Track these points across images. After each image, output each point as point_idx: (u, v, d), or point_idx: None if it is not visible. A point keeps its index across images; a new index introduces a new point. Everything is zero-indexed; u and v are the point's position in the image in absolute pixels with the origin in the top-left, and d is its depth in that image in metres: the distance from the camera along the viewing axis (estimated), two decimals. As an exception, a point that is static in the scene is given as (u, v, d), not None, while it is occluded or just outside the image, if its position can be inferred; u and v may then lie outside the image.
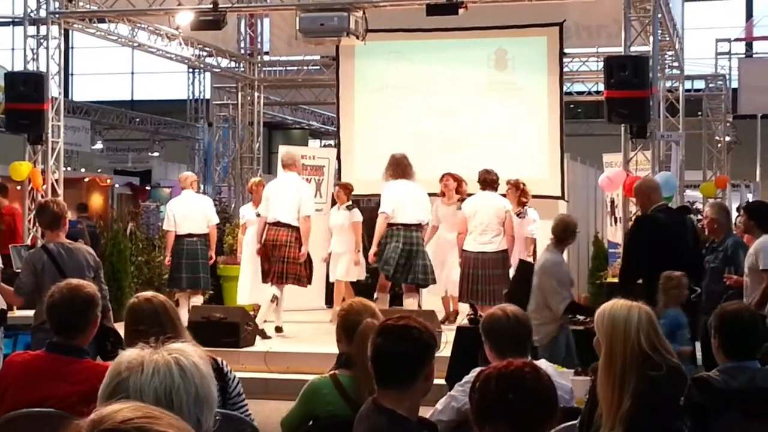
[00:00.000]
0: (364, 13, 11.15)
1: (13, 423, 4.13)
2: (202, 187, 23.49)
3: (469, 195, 11.32)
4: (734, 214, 9.53)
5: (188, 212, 11.64)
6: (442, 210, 11.59)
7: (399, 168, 10.93)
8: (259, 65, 16.98)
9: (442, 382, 6.58)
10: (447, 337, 8.71)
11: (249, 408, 4.39)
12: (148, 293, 4.57)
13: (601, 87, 12.15)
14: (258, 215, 11.31)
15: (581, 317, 8.17)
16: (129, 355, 2.08)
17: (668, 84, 16.22)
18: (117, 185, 25.62)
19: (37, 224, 11.36)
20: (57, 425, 4.05)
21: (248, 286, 11.92)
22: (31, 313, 7.04)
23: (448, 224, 11.46)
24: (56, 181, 11.90)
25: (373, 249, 10.98)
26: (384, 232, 10.85)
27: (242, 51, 16.79)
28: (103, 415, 1.22)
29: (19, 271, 8.15)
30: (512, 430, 2.87)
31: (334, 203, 13.69)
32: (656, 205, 8.12)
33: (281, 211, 10.73)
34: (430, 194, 11.46)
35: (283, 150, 11.99)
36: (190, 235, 11.61)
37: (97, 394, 2.08)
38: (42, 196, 11.31)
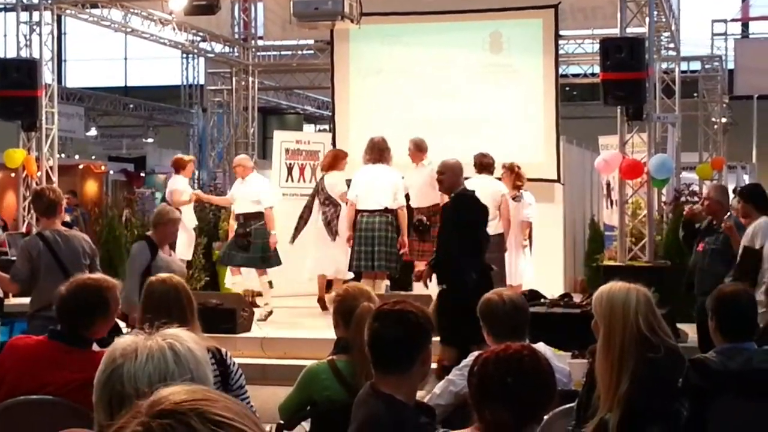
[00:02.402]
0: (358, -4, 11.09)
1: (11, 410, 4.13)
2: (197, 173, 23.48)
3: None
4: (731, 195, 9.51)
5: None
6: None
7: (375, 151, 10.85)
8: (254, 50, 16.91)
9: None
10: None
11: (250, 399, 4.36)
12: (165, 275, 4.55)
13: (597, 69, 12.12)
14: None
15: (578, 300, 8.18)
16: (123, 341, 2.07)
17: (664, 65, 16.19)
18: (111, 172, 25.56)
19: (32, 212, 11.35)
20: (55, 412, 4.07)
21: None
22: (27, 300, 7.03)
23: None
24: (51, 168, 11.86)
25: (348, 234, 10.91)
26: (354, 219, 10.79)
27: (236, 36, 16.72)
28: (161, 396, 1.24)
29: (14, 258, 8.15)
30: (511, 413, 2.87)
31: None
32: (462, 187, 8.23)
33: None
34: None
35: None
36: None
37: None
38: (36, 183, 11.27)
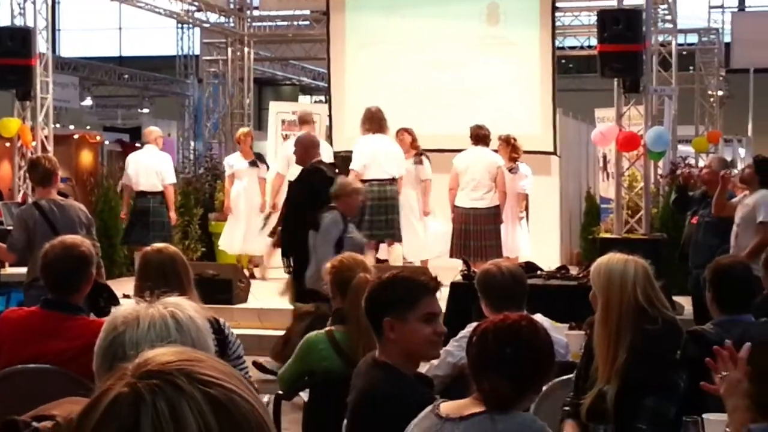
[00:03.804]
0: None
1: (9, 378, 4.13)
2: (192, 143, 23.44)
3: (434, 151, 11.28)
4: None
5: (144, 169, 11.60)
6: None
7: (375, 121, 10.79)
8: (249, 20, 16.83)
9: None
10: (441, 293, 8.70)
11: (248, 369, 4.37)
12: (161, 244, 4.56)
13: (593, 41, 12.08)
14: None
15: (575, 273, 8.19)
16: (124, 309, 2.08)
17: (661, 38, 16.15)
18: (107, 142, 25.47)
19: (27, 181, 11.31)
20: (52, 381, 4.07)
21: (239, 238, 11.88)
22: (23, 270, 7.02)
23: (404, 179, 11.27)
24: (46, 137, 11.81)
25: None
26: None
27: (231, 5, 16.62)
28: (147, 358, 1.23)
29: (10, 228, 8.13)
30: (509, 384, 2.87)
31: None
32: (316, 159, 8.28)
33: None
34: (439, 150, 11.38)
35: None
36: (143, 193, 11.58)
37: (93, 350, 2.08)
38: (32, 153, 11.24)
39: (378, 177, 10.62)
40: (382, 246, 11.21)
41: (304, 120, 11.30)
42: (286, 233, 8.40)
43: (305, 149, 8.35)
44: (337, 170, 8.51)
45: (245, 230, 11.78)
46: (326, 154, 10.95)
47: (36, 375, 4.06)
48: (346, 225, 7.46)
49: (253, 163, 11.94)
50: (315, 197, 7.93)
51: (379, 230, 10.64)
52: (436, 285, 3.54)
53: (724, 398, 3.08)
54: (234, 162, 12.16)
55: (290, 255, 8.25)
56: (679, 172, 12.07)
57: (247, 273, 11.37)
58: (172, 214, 11.79)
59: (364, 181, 10.54)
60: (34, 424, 2.22)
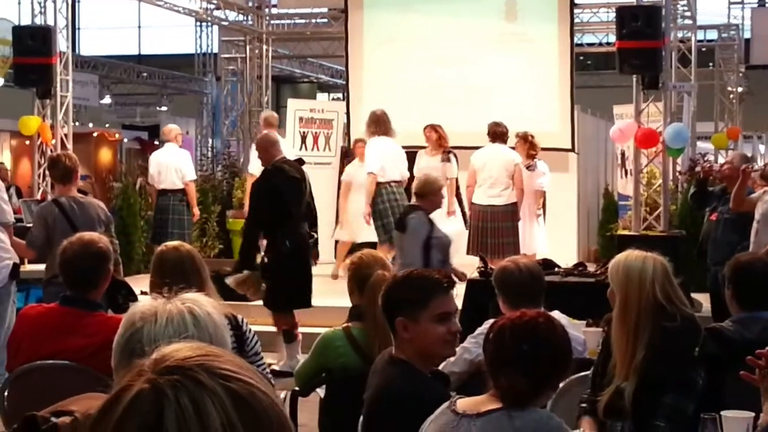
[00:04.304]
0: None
1: (28, 375, 4.16)
2: (210, 141, 23.49)
3: (451, 149, 11.26)
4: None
5: (165, 167, 11.64)
6: (425, 161, 11.36)
7: (380, 124, 10.74)
8: (267, 18, 16.86)
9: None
10: (457, 291, 8.69)
11: (266, 365, 4.37)
12: (176, 242, 4.58)
13: (612, 38, 12.04)
14: None
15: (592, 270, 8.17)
16: (143, 305, 2.09)
17: (680, 34, 16.08)
18: (125, 140, 25.59)
19: (46, 179, 11.37)
20: (71, 377, 4.09)
21: None
22: (42, 266, 7.06)
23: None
24: (65, 135, 11.87)
25: (367, 209, 10.74)
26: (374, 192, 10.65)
27: (250, 3, 16.65)
28: (164, 354, 1.23)
29: (29, 225, 8.17)
30: (526, 381, 2.87)
31: (344, 157, 13.67)
32: (279, 157, 8.28)
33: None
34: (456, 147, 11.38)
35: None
36: (164, 192, 11.62)
37: (111, 346, 2.09)
38: (51, 151, 11.29)
39: (394, 179, 10.62)
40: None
41: (268, 122, 11.32)
42: (250, 232, 8.42)
43: (265, 149, 8.37)
44: (303, 165, 8.58)
45: None
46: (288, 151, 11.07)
47: (55, 371, 4.08)
48: (432, 225, 7.41)
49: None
50: (278, 196, 8.00)
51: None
52: (450, 283, 3.53)
53: (763, 392, 3.09)
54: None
55: (252, 252, 8.27)
56: (698, 169, 12.02)
57: None
58: (195, 210, 11.81)
59: (380, 184, 10.55)
60: (53, 419, 2.23)
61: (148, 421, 1.15)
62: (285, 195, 7.95)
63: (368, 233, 10.91)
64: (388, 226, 10.27)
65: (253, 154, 11.50)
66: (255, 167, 11.22)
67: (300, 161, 8.67)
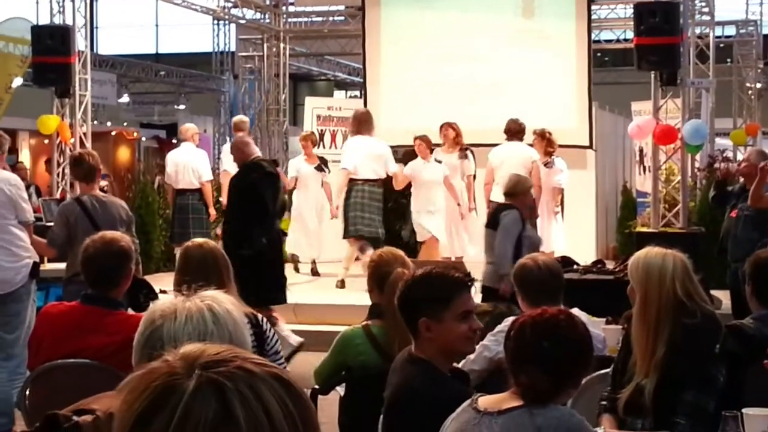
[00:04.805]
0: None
1: (49, 373, 4.17)
2: (228, 139, 23.53)
3: (468, 146, 11.27)
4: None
5: (183, 167, 11.67)
6: (442, 159, 11.38)
7: (362, 124, 10.82)
8: (285, 16, 16.87)
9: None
10: (475, 288, 8.68)
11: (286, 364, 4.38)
12: (201, 240, 4.59)
13: (629, 34, 12.00)
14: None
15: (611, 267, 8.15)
16: (162, 303, 2.10)
17: (698, 30, 16.00)
18: (143, 138, 25.67)
19: (66, 177, 11.42)
20: (93, 375, 4.11)
21: (305, 243, 11.95)
22: (62, 265, 7.08)
23: (449, 173, 11.28)
24: (84, 134, 11.92)
25: (337, 202, 10.92)
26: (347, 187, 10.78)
27: (267, 2, 16.68)
28: (191, 352, 1.23)
29: (49, 224, 8.21)
30: (547, 378, 2.87)
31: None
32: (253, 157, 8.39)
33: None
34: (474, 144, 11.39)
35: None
36: (182, 191, 11.65)
37: (132, 345, 2.09)
38: (70, 150, 11.34)
39: (368, 177, 10.69)
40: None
41: (238, 127, 11.64)
42: (231, 228, 8.45)
43: (240, 150, 8.49)
44: (278, 166, 8.71)
45: (315, 235, 11.83)
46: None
47: (76, 370, 4.10)
48: (525, 223, 7.40)
49: (318, 168, 11.88)
50: (255, 191, 8.09)
51: (364, 226, 10.67)
52: (470, 281, 3.53)
53: None
54: (300, 166, 12.04)
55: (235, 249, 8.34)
56: (717, 165, 11.96)
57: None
58: (212, 210, 11.85)
59: (354, 180, 10.64)
60: (75, 418, 2.24)
61: (218, 412, 1.15)
62: (263, 190, 8.08)
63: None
64: (353, 219, 10.59)
65: (226, 152, 11.60)
66: (230, 164, 11.24)
67: (275, 162, 8.80)
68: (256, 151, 8.68)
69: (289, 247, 12.07)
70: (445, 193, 11.08)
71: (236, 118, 12.32)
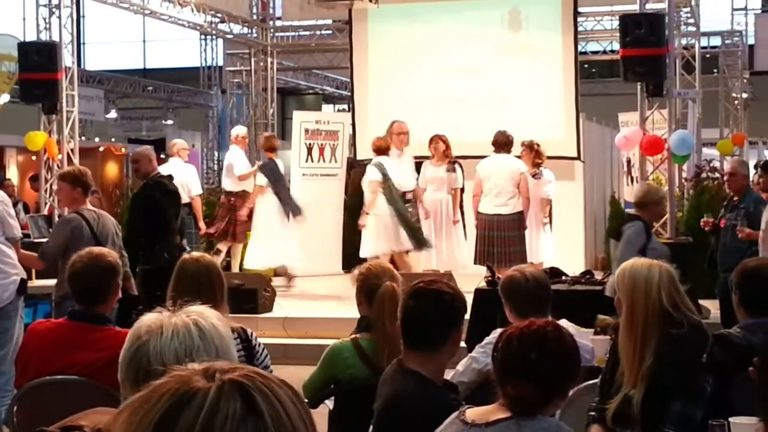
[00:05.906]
0: (376, -25, 11.08)
1: (37, 390, 4.16)
2: (216, 154, 23.53)
3: (457, 158, 11.36)
4: (752, 171, 9.44)
5: None
6: (430, 171, 11.45)
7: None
8: (272, 30, 16.89)
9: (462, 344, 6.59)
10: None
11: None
12: (198, 254, 4.60)
13: (616, 46, 12.04)
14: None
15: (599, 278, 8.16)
16: (148, 319, 2.09)
17: (684, 41, 16.06)
18: (131, 154, 25.58)
19: (53, 194, 11.39)
20: (80, 392, 4.10)
21: (272, 251, 11.80)
22: (51, 282, 7.05)
23: (435, 185, 11.37)
24: (71, 150, 11.90)
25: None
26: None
27: (254, 16, 16.69)
28: (202, 365, 1.26)
29: (36, 240, 8.18)
30: (535, 389, 2.87)
31: (350, 169, 13.72)
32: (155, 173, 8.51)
33: None
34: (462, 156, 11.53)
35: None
36: None
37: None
38: (58, 166, 11.32)
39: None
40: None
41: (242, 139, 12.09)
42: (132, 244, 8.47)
43: (149, 162, 8.57)
44: (175, 183, 8.84)
45: (283, 244, 11.73)
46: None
47: (64, 386, 4.08)
48: (650, 236, 7.28)
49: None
50: (158, 208, 8.22)
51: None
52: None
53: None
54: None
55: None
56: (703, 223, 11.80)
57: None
58: (201, 225, 11.83)
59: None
60: (62, 434, 2.24)
61: (243, 406, 1.19)
62: (165, 208, 8.23)
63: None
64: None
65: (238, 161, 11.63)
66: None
67: (170, 177, 8.88)
68: (157, 168, 8.82)
69: (251, 260, 11.88)
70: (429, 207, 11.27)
71: (242, 131, 12.63)
